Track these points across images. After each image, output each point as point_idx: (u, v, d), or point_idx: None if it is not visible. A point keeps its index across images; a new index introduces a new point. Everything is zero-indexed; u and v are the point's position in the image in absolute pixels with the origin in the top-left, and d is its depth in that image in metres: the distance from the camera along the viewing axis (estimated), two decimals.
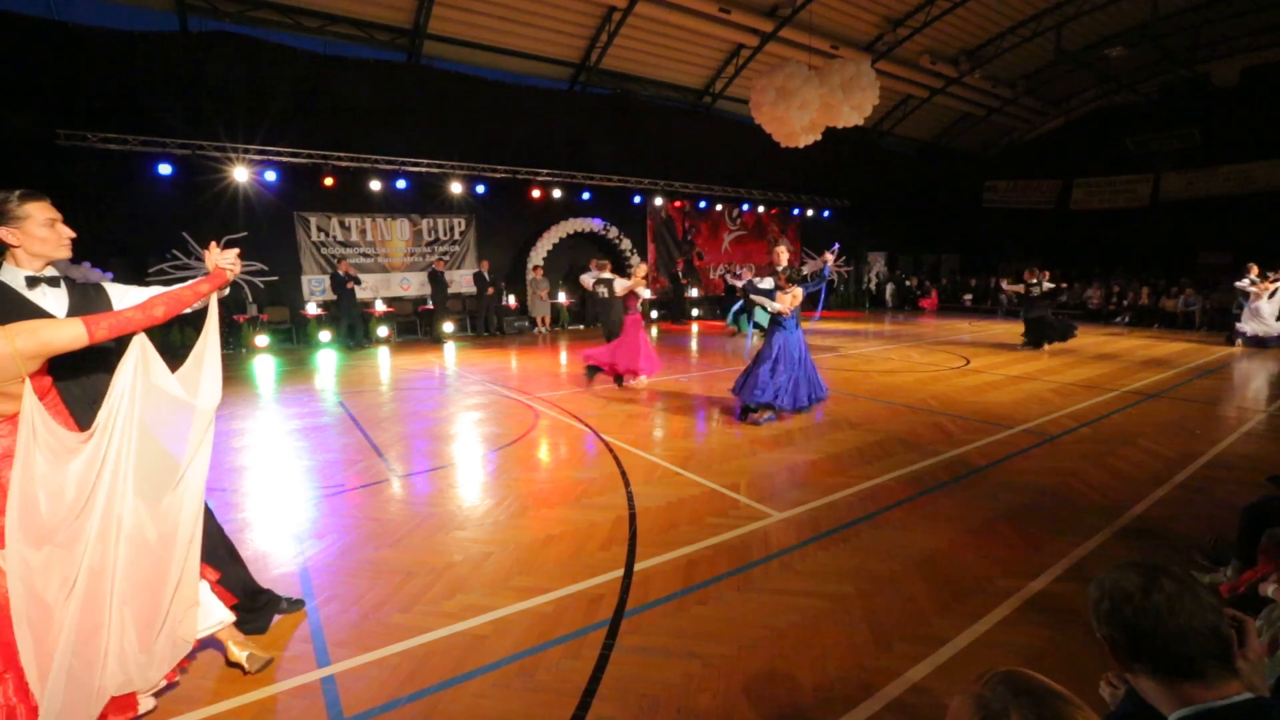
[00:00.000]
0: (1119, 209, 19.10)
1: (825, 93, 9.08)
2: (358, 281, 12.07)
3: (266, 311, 12.10)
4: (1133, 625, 1.08)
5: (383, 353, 11.67)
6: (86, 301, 2.23)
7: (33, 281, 2.12)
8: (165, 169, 10.63)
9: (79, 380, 2.19)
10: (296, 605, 2.89)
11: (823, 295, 6.47)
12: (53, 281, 2.17)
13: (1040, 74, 18.22)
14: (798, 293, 5.98)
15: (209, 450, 2.37)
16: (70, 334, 1.93)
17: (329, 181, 11.96)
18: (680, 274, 17.28)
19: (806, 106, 9.05)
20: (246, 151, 11.15)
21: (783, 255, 6.24)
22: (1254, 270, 10.91)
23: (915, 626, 2.74)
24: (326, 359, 10.89)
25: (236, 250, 2.46)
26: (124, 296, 2.32)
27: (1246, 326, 11.06)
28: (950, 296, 20.57)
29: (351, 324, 11.98)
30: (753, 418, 6.10)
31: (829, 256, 6.27)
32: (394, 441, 5.69)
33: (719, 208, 18.33)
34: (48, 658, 1.91)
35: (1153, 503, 4.08)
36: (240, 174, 11.21)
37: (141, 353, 2.18)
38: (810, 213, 20.09)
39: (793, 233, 20.61)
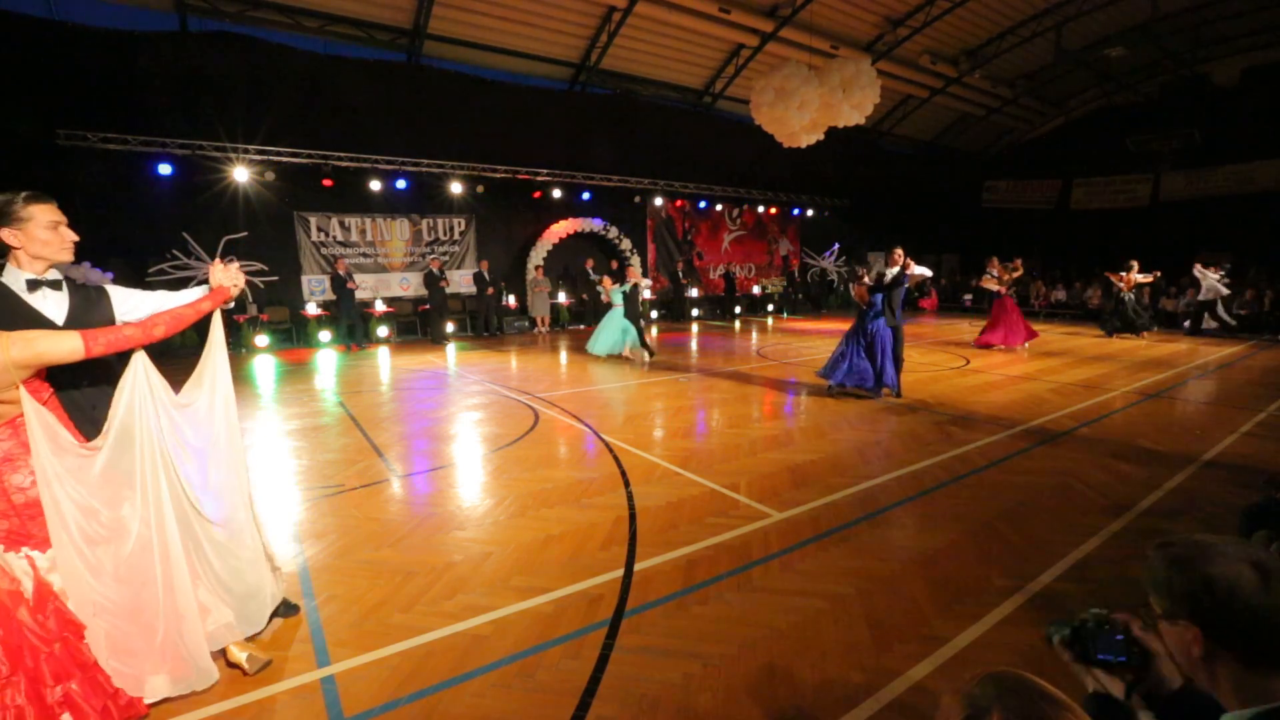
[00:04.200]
0: (1119, 209, 19.10)
1: (825, 93, 9.08)
2: (352, 279, 12.06)
3: (266, 311, 12.10)
4: (1248, 616, 1.07)
5: (383, 353, 11.67)
6: (88, 304, 2.23)
7: (34, 285, 2.11)
8: (165, 169, 10.63)
9: (80, 388, 2.20)
10: (292, 610, 2.88)
11: (902, 294, 7.32)
12: (54, 285, 2.16)
13: (1040, 74, 18.21)
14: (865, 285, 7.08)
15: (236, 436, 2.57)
16: (67, 347, 1.93)
17: (328, 181, 11.96)
18: (680, 274, 17.29)
19: (806, 106, 9.05)
20: (246, 151, 11.15)
21: (899, 257, 7.15)
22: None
23: (915, 626, 2.74)
24: (326, 359, 10.89)
25: (238, 265, 2.48)
26: (126, 300, 2.33)
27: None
28: (950, 296, 20.56)
29: (351, 324, 11.97)
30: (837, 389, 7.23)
31: (909, 262, 7.15)
32: (394, 441, 5.69)
33: (719, 208, 18.33)
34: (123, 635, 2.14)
35: (1153, 503, 4.09)
36: (240, 174, 11.21)
37: (143, 373, 2.22)
38: (810, 213, 20.09)
39: (793, 233, 20.62)
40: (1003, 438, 5.57)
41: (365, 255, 13.29)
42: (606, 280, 10.56)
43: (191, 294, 2.46)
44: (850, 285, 7.21)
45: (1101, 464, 4.84)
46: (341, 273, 11.71)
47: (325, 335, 12.38)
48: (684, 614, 2.86)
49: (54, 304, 2.15)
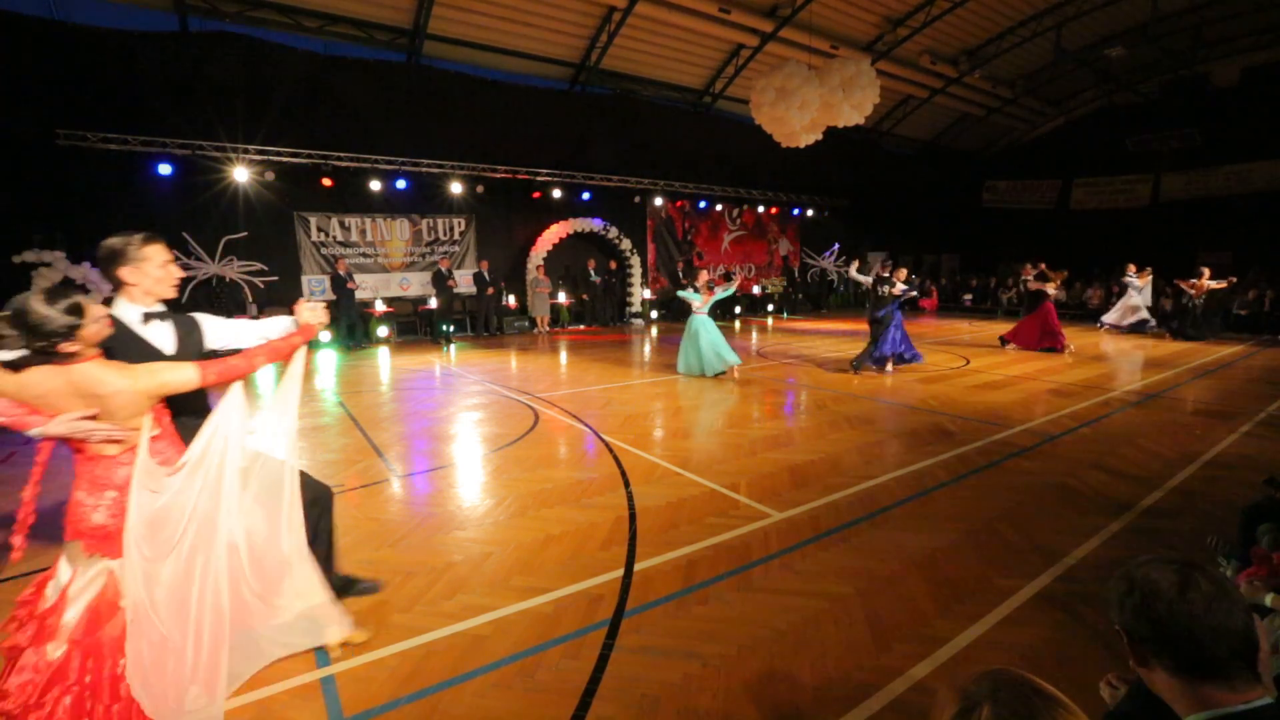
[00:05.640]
0: (1119, 209, 19.08)
1: (825, 92, 9.08)
2: (352, 279, 12.06)
3: (266, 311, 12.10)
4: (1163, 621, 1.06)
5: (383, 353, 11.67)
6: (188, 335, 2.41)
7: (149, 317, 2.28)
8: (165, 169, 10.62)
9: (193, 414, 2.35)
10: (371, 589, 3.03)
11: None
12: (162, 316, 2.33)
13: (1040, 74, 18.20)
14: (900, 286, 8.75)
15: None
16: (184, 377, 2.10)
17: (328, 181, 11.96)
18: (680, 274, 17.29)
19: (806, 106, 9.05)
20: (246, 151, 11.14)
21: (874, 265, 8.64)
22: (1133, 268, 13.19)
23: (915, 626, 2.74)
24: (326, 359, 10.88)
25: (321, 303, 2.60)
26: (216, 328, 2.51)
27: (1110, 316, 13.70)
28: (950, 296, 20.56)
29: (351, 324, 11.97)
30: (868, 369, 8.85)
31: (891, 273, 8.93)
32: (394, 441, 5.69)
33: (719, 208, 18.32)
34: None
35: (1152, 503, 4.09)
36: (240, 174, 11.20)
37: (237, 399, 2.33)
38: (810, 213, 20.08)
39: (793, 233, 20.61)
40: (1003, 438, 5.57)
41: (365, 255, 13.28)
42: (708, 294, 8.63)
43: (276, 324, 2.59)
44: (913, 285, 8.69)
45: (1101, 464, 4.84)
46: (342, 273, 11.71)
47: (325, 335, 12.37)
48: (684, 614, 2.86)
49: (164, 335, 2.32)
